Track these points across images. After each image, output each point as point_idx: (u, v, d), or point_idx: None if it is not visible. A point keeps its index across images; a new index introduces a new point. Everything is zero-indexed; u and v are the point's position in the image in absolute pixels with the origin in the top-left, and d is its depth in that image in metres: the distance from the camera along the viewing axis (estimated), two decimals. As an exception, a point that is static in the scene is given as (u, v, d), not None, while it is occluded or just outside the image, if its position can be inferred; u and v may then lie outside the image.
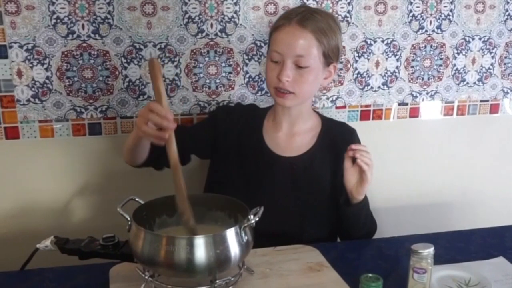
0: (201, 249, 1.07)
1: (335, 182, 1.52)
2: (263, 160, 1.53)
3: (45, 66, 1.65)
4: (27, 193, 1.76)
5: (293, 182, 1.53)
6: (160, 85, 1.19)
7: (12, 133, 1.69)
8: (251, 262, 1.29)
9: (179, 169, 1.20)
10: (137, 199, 1.23)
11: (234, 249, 1.11)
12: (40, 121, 1.70)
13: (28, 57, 1.63)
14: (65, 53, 1.65)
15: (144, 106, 1.24)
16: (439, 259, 1.22)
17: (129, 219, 1.15)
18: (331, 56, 1.45)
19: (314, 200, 1.53)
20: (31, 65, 1.64)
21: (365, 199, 1.46)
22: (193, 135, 1.57)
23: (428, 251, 1.18)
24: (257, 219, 1.15)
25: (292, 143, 1.56)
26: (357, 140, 1.61)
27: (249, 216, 1.16)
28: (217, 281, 1.12)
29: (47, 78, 1.66)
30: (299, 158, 1.54)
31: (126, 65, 1.71)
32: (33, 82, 1.65)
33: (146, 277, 1.14)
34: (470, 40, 2.00)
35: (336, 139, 1.57)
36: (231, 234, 1.11)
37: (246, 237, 1.13)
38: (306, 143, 1.56)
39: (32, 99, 1.67)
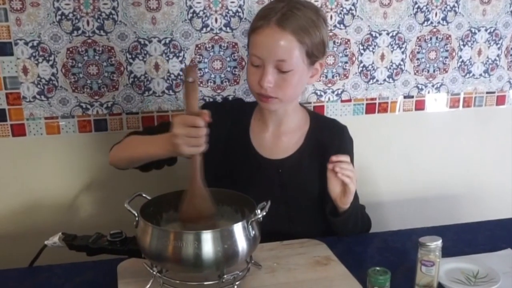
0: (208, 244, 1.06)
1: (324, 183, 1.43)
2: (250, 162, 1.48)
3: (51, 62, 1.65)
4: (34, 190, 1.77)
5: (280, 186, 1.48)
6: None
7: (18, 130, 1.69)
8: (258, 257, 1.29)
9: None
10: (144, 195, 1.23)
11: (241, 243, 1.10)
12: (46, 118, 1.70)
13: (34, 54, 1.63)
14: (70, 49, 1.65)
15: (177, 124, 1.15)
16: (446, 252, 1.22)
17: (136, 215, 1.15)
18: (315, 54, 1.35)
19: (302, 202, 1.49)
20: (36, 62, 1.64)
21: (353, 206, 1.40)
22: None
23: (436, 243, 1.17)
24: (264, 213, 1.14)
25: (279, 144, 1.49)
26: (347, 138, 1.54)
27: (256, 211, 1.15)
28: (225, 276, 1.11)
29: (53, 74, 1.66)
30: (286, 161, 1.48)
31: (131, 60, 1.71)
32: (38, 79, 1.66)
33: (154, 273, 1.14)
34: (476, 31, 1.99)
35: (325, 138, 1.50)
36: (238, 229, 1.10)
37: (253, 232, 1.12)
38: (294, 143, 1.50)
39: (38, 96, 1.67)
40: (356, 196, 1.42)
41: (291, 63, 1.31)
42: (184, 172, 1.44)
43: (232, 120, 1.51)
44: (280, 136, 1.50)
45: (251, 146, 1.49)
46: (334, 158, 1.33)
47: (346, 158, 1.34)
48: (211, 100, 1.81)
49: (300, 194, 1.49)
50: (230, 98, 1.83)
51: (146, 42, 1.70)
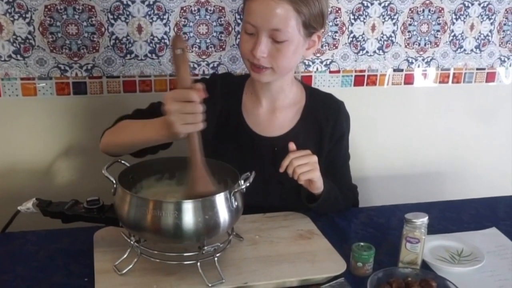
0: (189, 214, 1.03)
1: (319, 161, 1.37)
2: (243, 140, 1.43)
3: (27, 20, 1.57)
4: (9, 153, 1.70)
5: (274, 164, 1.38)
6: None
7: (-8, 91, 1.62)
8: (240, 229, 1.27)
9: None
10: (122, 162, 1.19)
11: (223, 215, 1.07)
12: (22, 79, 1.63)
13: (9, 10, 1.54)
14: (48, 7, 1.57)
15: (170, 99, 1.06)
16: (431, 229, 1.20)
17: (114, 181, 1.10)
18: (313, 25, 1.29)
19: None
20: (12, 18, 1.56)
21: (327, 191, 1.36)
22: None
23: (422, 220, 1.16)
24: (247, 184, 1.11)
25: (274, 121, 1.44)
26: (343, 115, 1.50)
27: (239, 181, 1.12)
28: (205, 248, 1.08)
29: (30, 33, 1.58)
30: (281, 139, 1.42)
31: (112, 21, 1.64)
32: (14, 37, 1.58)
33: (132, 242, 1.10)
34: (470, 5, 1.94)
35: (320, 115, 1.46)
36: (220, 200, 1.07)
37: (236, 203, 1.09)
38: (289, 120, 1.45)
39: (13, 55, 1.60)
40: (338, 179, 1.41)
41: (286, 33, 1.25)
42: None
43: (221, 98, 1.44)
44: (274, 112, 1.45)
45: (244, 123, 1.44)
46: (286, 159, 1.27)
47: (300, 153, 1.28)
48: (195, 66, 1.75)
49: None
50: (217, 68, 1.78)
51: (129, 3, 1.63)
